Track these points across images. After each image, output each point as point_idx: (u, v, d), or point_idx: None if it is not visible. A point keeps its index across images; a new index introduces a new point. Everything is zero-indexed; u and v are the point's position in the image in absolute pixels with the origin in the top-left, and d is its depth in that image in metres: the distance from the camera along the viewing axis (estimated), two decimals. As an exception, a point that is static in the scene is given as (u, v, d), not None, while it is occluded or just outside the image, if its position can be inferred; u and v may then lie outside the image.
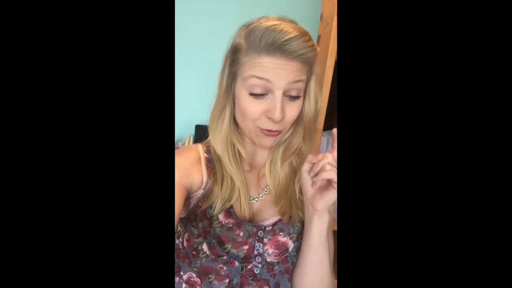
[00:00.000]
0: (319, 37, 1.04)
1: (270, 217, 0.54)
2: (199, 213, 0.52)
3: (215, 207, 0.51)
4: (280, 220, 0.54)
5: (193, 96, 1.36)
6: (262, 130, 0.49)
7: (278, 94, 0.46)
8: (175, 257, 0.54)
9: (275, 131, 0.49)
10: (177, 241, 0.55)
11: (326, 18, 0.99)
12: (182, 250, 0.53)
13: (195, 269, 0.51)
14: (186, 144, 1.34)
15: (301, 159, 0.54)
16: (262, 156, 0.57)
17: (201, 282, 0.50)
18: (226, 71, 0.51)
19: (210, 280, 0.50)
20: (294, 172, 0.56)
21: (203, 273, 0.50)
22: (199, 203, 0.52)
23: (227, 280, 0.50)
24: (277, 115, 0.46)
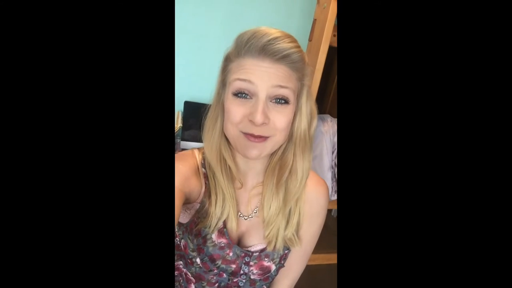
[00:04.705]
0: (314, 20, 1.03)
1: (257, 244, 0.57)
2: (194, 230, 0.54)
3: (210, 225, 0.53)
4: (266, 248, 0.56)
5: (183, 72, 1.33)
6: (245, 135, 0.47)
7: (261, 96, 0.44)
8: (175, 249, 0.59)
9: (257, 136, 0.46)
10: (176, 239, 0.59)
11: (323, 2, 0.98)
12: (181, 251, 0.58)
13: (190, 272, 0.58)
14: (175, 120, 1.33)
15: (295, 179, 0.53)
16: (254, 174, 0.56)
17: (196, 282, 0.58)
18: (219, 80, 0.50)
19: (203, 285, 0.58)
20: (285, 202, 0.54)
21: (196, 278, 0.58)
22: (195, 219, 0.55)
23: (216, 285, 0.58)
24: (258, 117, 0.44)
